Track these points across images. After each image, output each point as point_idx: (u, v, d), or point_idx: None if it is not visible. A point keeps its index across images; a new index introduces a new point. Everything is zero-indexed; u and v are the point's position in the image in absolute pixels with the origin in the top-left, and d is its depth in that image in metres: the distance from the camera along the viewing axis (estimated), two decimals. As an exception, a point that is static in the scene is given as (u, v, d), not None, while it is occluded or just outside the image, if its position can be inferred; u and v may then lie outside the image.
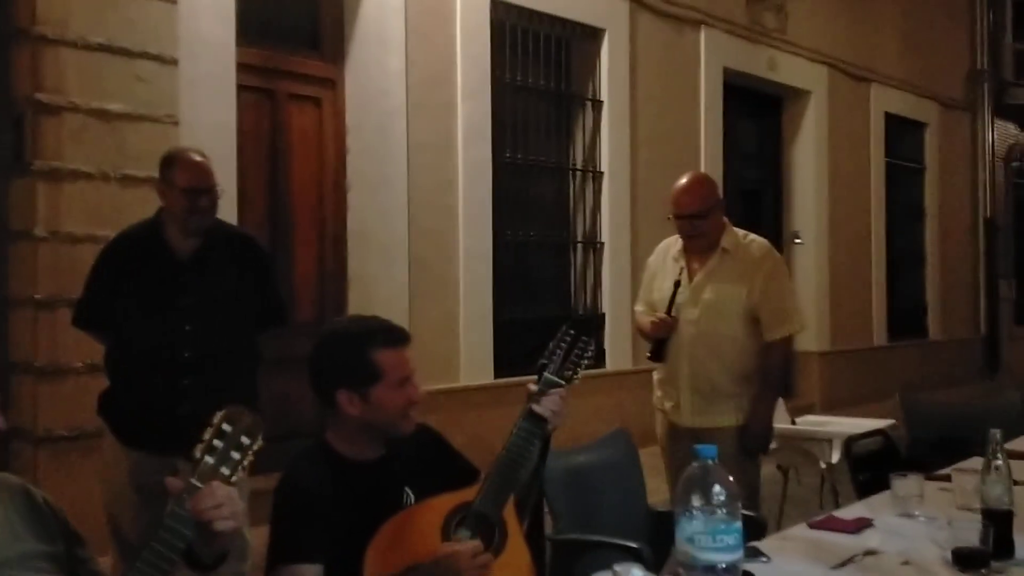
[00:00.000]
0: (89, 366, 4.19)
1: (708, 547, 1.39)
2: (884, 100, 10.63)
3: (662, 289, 3.62)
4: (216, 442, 1.57)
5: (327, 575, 2.04)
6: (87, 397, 4.05)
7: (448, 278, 6.20)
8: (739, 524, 1.42)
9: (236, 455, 1.58)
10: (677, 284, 3.51)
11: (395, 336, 2.17)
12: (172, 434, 3.07)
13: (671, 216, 3.54)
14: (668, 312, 3.51)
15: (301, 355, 5.36)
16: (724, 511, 1.41)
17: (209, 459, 1.56)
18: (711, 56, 8.20)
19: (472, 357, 6.32)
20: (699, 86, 8.13)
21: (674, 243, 3.69)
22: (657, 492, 3.59)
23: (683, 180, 3.57)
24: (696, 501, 1.42)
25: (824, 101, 9.66)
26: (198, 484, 1.53)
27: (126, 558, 3.21)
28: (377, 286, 5.77)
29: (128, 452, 3.23)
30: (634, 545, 2.65)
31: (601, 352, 7.22)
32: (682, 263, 3.60)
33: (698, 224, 3.49)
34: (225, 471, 1.56)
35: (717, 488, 1.42)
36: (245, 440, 1.59)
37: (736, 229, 3.65)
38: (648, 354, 3.68)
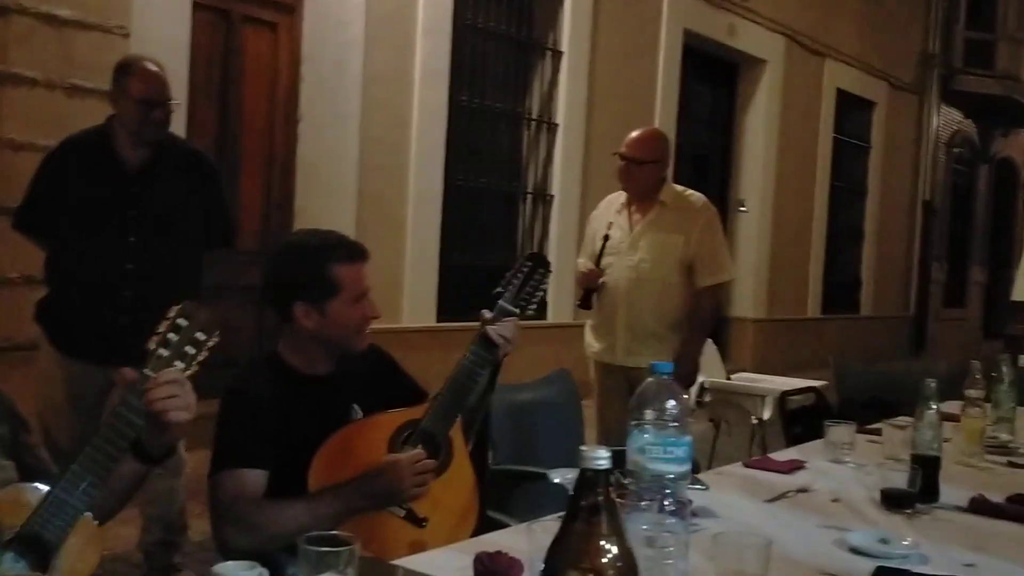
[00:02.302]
0: (25, 278, 4.09)
1: (658, 458, 1.42)
2: (837, 76, 10.77)
3: (601, 239, 3.77)
4: (171, 335, 1.55)
5: (271, 484, 2.03)
6: (21, 309, 3.95)
7: (396, 217, 6.17)
8: (689, 439, 1.45)
9: (191, 349, 1.56)
10: (606, 238, 3.71)
11: (355, 251, 2.15)
12: (110, 344, 3.04)
13: (617, 153, 3.72)
14: (597, 264, 3.70)
15: (242, 283, 5.33)
16: (675, 425, 1.44)
17: (164, 351, 1.54)
18: (673, 16, 8.21)
19: (416, 299, 6.32)
20: (659, 46, 8.15)
21: (617, 197, 3.86)
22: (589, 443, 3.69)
23: (639, 130, 3.81)
24: (649, 415, 1.44)
25: (779, 72, 9.75)
26: (152, 375, 1.51)
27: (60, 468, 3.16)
28: (323, 220, 5.65)
29: (65, 361, 3.17)
30: (556, 480, 2.67)
31: (543, 304, 7.26)
32: (624, 214, 3.76)
33: (635, 170, 3.67)
34: (179, 364, 1.54)
35: (671, 403, 1.45)
36: (200, 335, 1.57)
37: (675, 185, 3.86)
38: (577, 302, 3.90)
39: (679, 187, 3.85)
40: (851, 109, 11.36)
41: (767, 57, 9.59)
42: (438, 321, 6.44)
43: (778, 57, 9.72)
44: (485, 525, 2.11)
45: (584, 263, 3.85)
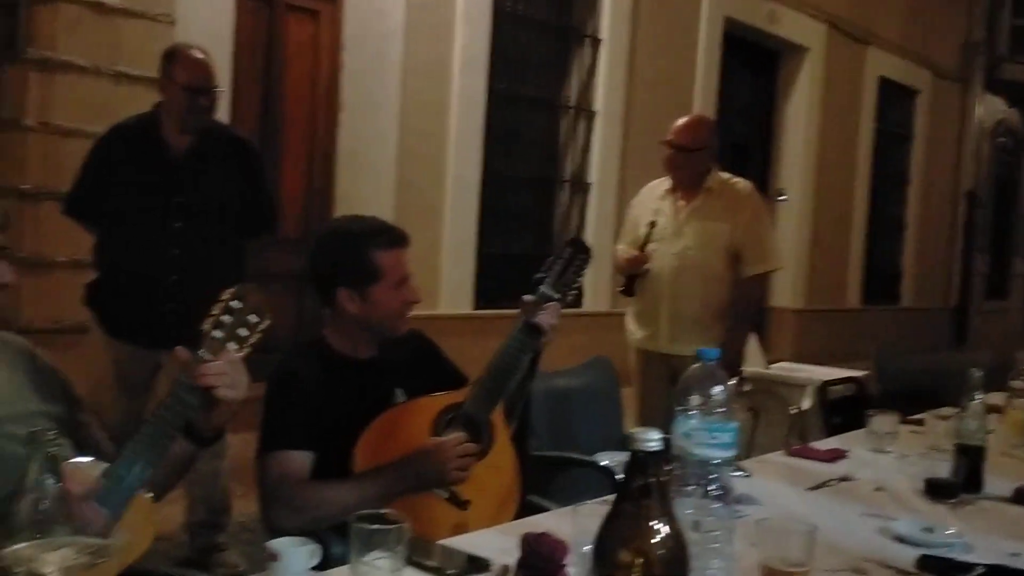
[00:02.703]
0: (73, 261, 4.16)
1: (704, 443, 1.43)
2: (880, 64, 10.62)
3: (645, 226, 3.73)
4: (224, 317, 1.58)
5: (316, 465, 2.07)
6: (69, 291, 4.03)
7: (435, 206, 6.19)
8: (735, 425, 1.46)
9: (243, 332, 1.59)
10: (652, 224, 3.67)
11: (395, 237, 2.18)
12: (156, 329, 3.10)
13: (663, 142, 3.69)
14: (642, 250, 3.67)
15: (283, 269, 5.38)
16: (721, 410, 1.44)
17: (217, 333, 1.57)
18: (713, 4, 8.13)
19: (453, 286, 6.35)
20: (699, 33, 8.09)
21: (659, 184, 3.83)
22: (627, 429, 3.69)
23: (687, 116, 3.79)
24: (695, 400, 1.45)
25: (821, 60, 9.63)
26: (206, 356, 1.55)
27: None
28: (363, 208, 5.66)
29: (113, 344, 3.24)
30: (603, 464, 2.69)
31: (581, 293, 7.26)
32: (668, 200, 3.73)
33: (685, 158, 3.64)
34: (233, 346, 1.58)
35: (717, 389, 1.46)
36: (253, 318, 1.60)
37: (721, 173, 3.79)
38: (620, 288, 3.85)
39: (725, 174, 3.79)
40: (893, 97, 11.20)
41: (808, 45, 9.48)
42: (475, 308, 6.46)
43: (820, 45, 9.60)
44: (526, 509, 2.13)
45: (624, 249, 3.83)
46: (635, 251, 3.70)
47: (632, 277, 3.73)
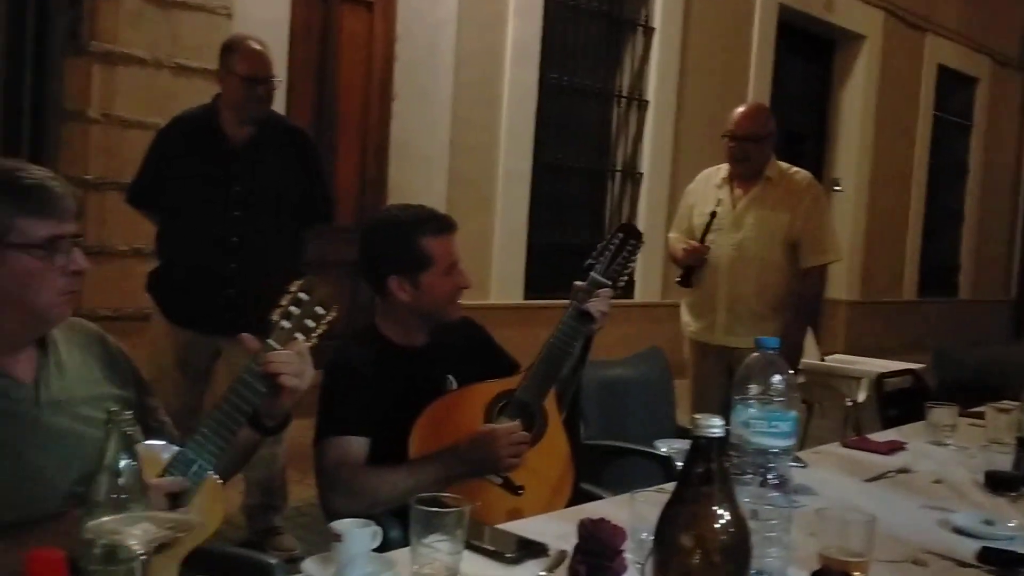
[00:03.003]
0: (134, 250, 4.26)
1: (763, 432, 1.43)
2: (938, 51, 10.41)
3: (702, 215, 3.68)
4: (292, 308, 1.62)
5: (372, 450, 2.10)
6: (130, 280, 4.13)
7: (486, 196, 6.21)
8: (794, 414, 1.46)
9: (310, 323, 1.63)
10: (713, 215, 3.61)
11: (443, 224, 2.19)
12: (216, 315, 3.16)
13: (725, 135, 3.61)
14: (701, 240, 3.61)
15: (338, 259, 5.44)
16: (781, 400, 1.44)
17: (286, 323, 1.61)
18: (768, -9, 8.05)
19: (504, 276, 6.37)
20: (753, 22, 8.01)
21: (715, 172, 3.76)
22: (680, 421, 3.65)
23: (744, 105, 3.72)
24: (754, 389, 1.45)
25: (878, 47, 9.48)
26: (275, 345, 1.58)
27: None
28: (416, 197, 5.61)
29: (174, 330, 3.30)
30: (662, 451, 2.68)
31: (631, 283, 7.24)
32: (725, 190, 3.66)
33: (748, 148, 3.56)
34: (300, 337, 1.61)
35: (776, 378, 1.46)
36: (320, 310, 1.63)
37: (780, 162, 3.72)
38: (677, 279, 3.80)
39: (784, 164, 3.72)
40: (952, 86, 10.98)
41: (865, 32, 9.33)
42: (525, 298, 6.48)
43: (876, 32, 9.44)
44: (579, 496, 2.14)
45: (677, 238, 3.78)
46: (691, 241, 3.65)
47: (690, 268, 3.68)
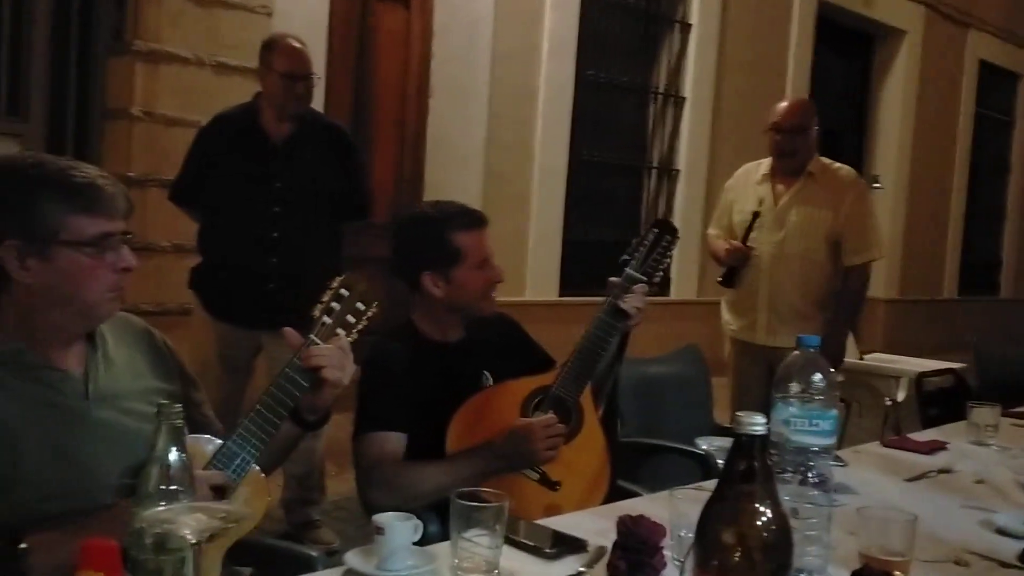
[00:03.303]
0: (175, 246, 4.32)
1: (803, 430, 1.42)
2: (980, 47, 10.26)
3: (743, 212, 3.63)
4: (334, 304, 1.64)
5: (409, 445, 2.12)
6: (171, 276, 4.19)
7: (522, 192, 6.22)
8: (835, 413, 1.45)
9: (351, 319, 1.65)
10: (756, 215, 3.55)
11: (474, 218, 2.20)
12: (257, 310, 3.20)
13: (769, 129, 3.56)
14: (744, 241, 3.56)
15: (374, 254, 5.48)
16: (822, 398, 1.44)
17: (327, 319, 1.63)
18: (807, -13, 7.98)
19: (539, 273, 6.38)
20: (791, 17, 7.94)
21: (756, 168, 3.71)
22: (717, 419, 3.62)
23: (787, 99, 3.75)
24: (794, 388, 1.45)
25: (918, 43, 9.36)
26: (317, 340, 1.61)
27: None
28: (452, 194, 5.67)
29: (216, 325, 3.35)
30: (703, 449, 2.68)
31: (667, 280, 7.22)
32: (766, 186, 3.61)
33: (794, 140, 3.51)
34: (341, 332, 1.63)
35: (817, 376, 1.45)
36: (360, 306, 1.66)
37: (822, 158, 3.66)
38: (719, 279, 3.74)
39: (826, 159, 3.66)
40: (994, 82, 10.81)
41: (906, 27, 9.22)
42: (561, 295, 6.48)
43: (917, 27, 9.32)
44: (616, 493, 2.14)
45: (717, 235, 3.74)
46: (733, 241, 3.60)
47: (733, 268, 3.63)
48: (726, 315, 3.76)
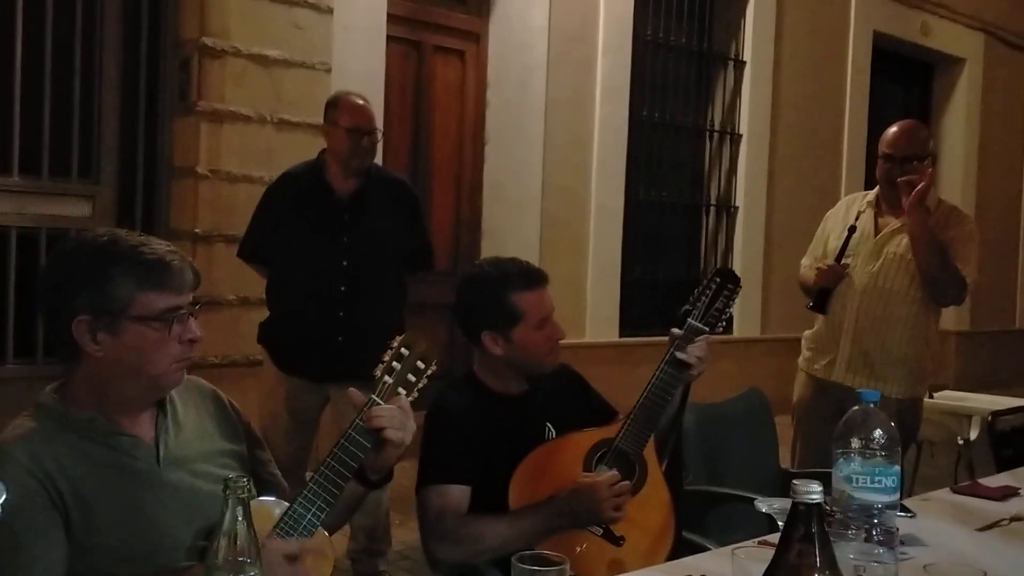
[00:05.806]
0: (241, 299, 4.42)
1: (866, 487, 1.41)
2: (1044, 71, 10.06)
3: (840, 238, 3.39)
4: (395, 364, 1.68)
5: (472, 500, 2.13)
6: (238, 328, 4.29)
7: (579, 235, 6.24)
8: (898, 468, 1.44)
9: (412, 377, 1.68)
10: (852, 230, 3.31)
11: (533, 278, 2.22)
12: (326, 362, 3.26)
13: (885, 155, 3.30)
14: (838, 260, 3.34)
15: (437, 302, 5.54)
16: (884, 454, 1.42)
17: (388, 379, 1.67)
18: (861, 19, 7.92)
19: (598, 314, 6.37)
20: (847, 50, 7.88)
21: (860, 198, 3.51)
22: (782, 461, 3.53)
23: (898, 124, 3.37)
24: (856, 443, 1.43)
25: (979, 70, 9.21)
26: (379, 401, 1.64)
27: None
28: (509, 239, 5.86)
29: (285, 379, 3.41)
30: (764, 510, 2.64)
31: (730, 318, 7.15)
32: (868, 214, 3.38)
33: (921, 170, 3.19)
34: (402, 391, 1.66)
35: (878, 432, 1.44)
36: (420, 364, 1.69)
37: (941, 197, 3.44)
38: (809, 304, 3.46)
39: (944, 198, 3.41)
40: (1061, 105, 10.58)
41: (965, 55, 9.09)
42: (621, 336, 6.46)
43: (977, 55, 9.19)
44: (681, 546, 2.13)
45: (810, 264, 3.51)
46: (830, 260, 3.34)
47: (825, 291, 3.36)
48: (806, 351, 3.54)
